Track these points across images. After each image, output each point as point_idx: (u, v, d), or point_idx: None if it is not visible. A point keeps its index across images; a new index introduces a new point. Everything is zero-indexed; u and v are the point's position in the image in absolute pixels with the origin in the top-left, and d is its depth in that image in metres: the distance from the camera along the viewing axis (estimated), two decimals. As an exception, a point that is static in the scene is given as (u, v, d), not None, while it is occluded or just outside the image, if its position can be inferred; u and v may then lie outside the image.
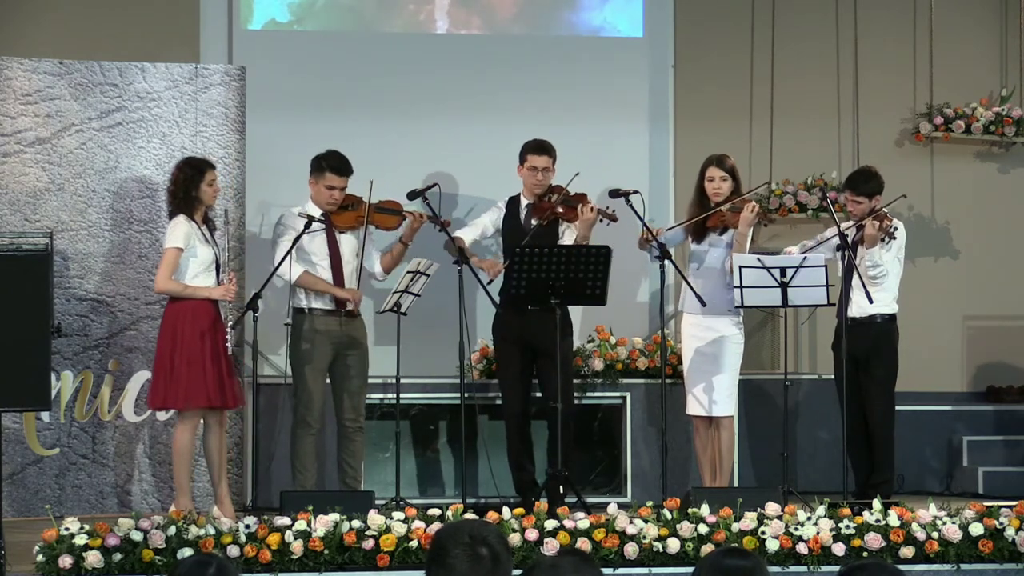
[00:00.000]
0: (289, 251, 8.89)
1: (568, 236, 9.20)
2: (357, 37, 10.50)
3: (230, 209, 9.09)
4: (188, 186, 8.65)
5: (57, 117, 9.32)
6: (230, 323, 8.59)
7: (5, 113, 9.25)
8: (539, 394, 9.22)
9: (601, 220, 9.11)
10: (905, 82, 11.13)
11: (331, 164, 9.02)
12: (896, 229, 9.08)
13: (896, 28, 11.11)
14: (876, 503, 7.79)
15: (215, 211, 8.84)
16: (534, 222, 9.19)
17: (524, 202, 9.34)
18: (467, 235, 9.33)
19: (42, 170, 9.28)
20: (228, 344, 8.56)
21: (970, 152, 11.14)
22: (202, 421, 8.70)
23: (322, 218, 8.95)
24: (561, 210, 9.19)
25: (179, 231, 8.61)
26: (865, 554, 7.48)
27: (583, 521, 7.52)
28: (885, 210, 9.14)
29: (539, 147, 9.31)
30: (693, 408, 9.14)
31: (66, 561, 7.11)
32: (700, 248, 9.18)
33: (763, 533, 7.54)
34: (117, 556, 7.16)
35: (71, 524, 7.26)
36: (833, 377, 9.30)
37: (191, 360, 8.51)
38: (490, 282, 9.04)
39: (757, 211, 8.96)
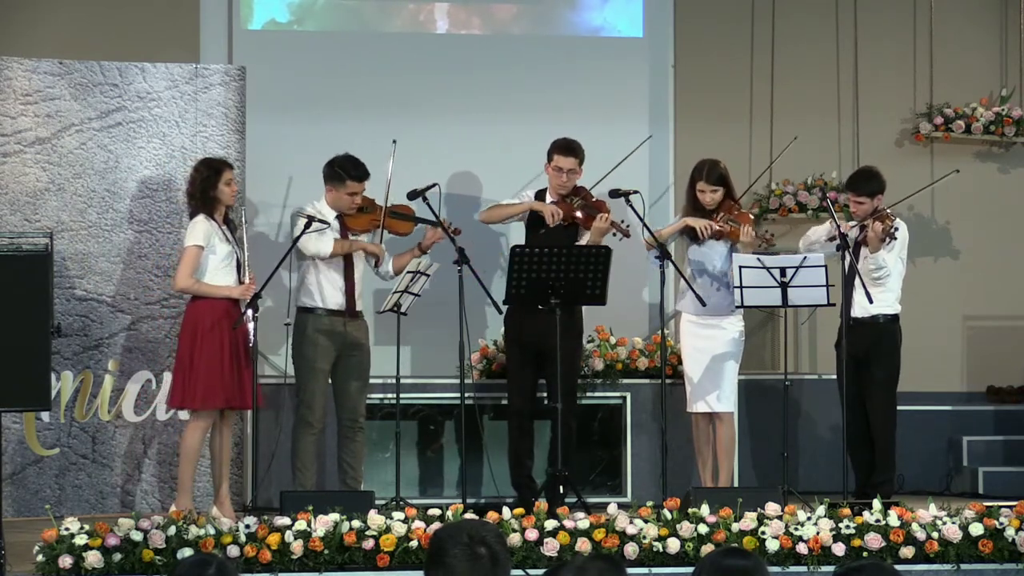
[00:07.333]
0: (289, 251, 8.91)
1: (585, 239, 9.21)
2: (357, 37, 10.50)
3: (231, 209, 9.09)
4: (205, 186, 8.66)
5: (57, 117, 9.33)
6: (250, 318, 8.54)
7: (5, 113, 9.25)
8: (546, 394, 9.20)
9: (614, 234, 9.11)
10: (905, 82, 11.13)
11: (352, 173, 9.00)
12: (897, 229, 9.08)
13: (896, 28, 11.12)
14: (876, 503, 7.79)
15: (235, 211, 8.86)
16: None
17: (549, 199, 9.33)
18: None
19: (42, 170, 9.28)
20: (251, 336, 8.52)
21: (970, 152, 11.14)
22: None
23: (324, 220, 8.94)
24: (580, 215, 9.19)
25: (199, 229, 8.63)
26: (865, 554, 7.48)
27: (583, 521, 7.52)
28: (888, 210, 9.15)
29: (567, 147, 9.24)
30: (694, 405, 9.15)
31: (66, 561, 7.11)
32: (699, 251, 9.20)
33: (763, 533, 7.54)
34: (117, 556, 7.16)
35: (71, 524, 7.26)
36: (835, 377, 9.30)
37: (210, 360, 8.51)
38: (552, 225, 9.07)
39: (753, 235, 9.01)
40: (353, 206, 9.07)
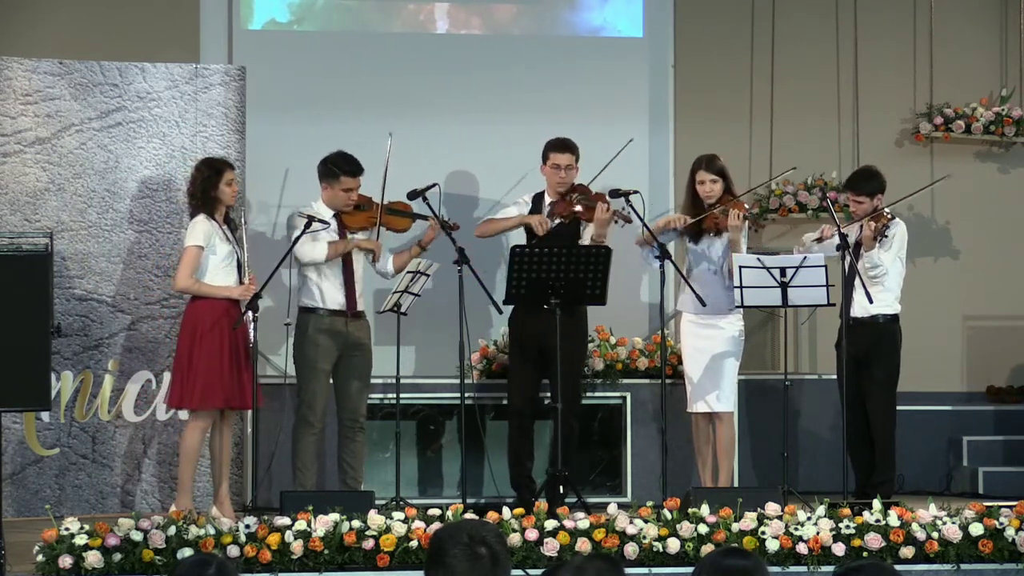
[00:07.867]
0: (289, 251, 8.90)
1: (587, 234, 9.22)
2: (357, 37, 10.50)
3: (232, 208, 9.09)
4: (206, 186, 8.67)
5: (57, 117, 9.33)
6: (250, 318, 8.54)
7: (5, 113, 9.25)
8: (547, 394, 9.20)
9: (616, 221, 9.12)
10: (905, 82, 11.13)
11: (344, 168, 9.01)
12: (888, 227, 9.08)
13: (896, 28, 11.12)
14: (876, 503, 7.79)
15: (236, 211, 8.86)
16: (556, 220, 9.21)
17: (547, 199, 9.33)
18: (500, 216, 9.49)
19: (42, 170, 9.28)
20: (252, 336, 8.51)
21: (970, 152, 11.14)
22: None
23: (323, 220, 8.93)
24: (580, 209, 9.20)
25: (199, 229, 8.63)
26: (865, 554, 7.48)
27: (583, 521, 7.52)
28: (887, 210, 9.14)
29: (561, 145, 9.28)
30: (694, 405, 9.14)
31: (66, 561, 7.11)
32: (697, 249, 9.21)
33: (763, 533, 7.54)
34: (117, 556, 7.16)
35: (71, 524, 7.26)
36: (835, 377, 9.30)
37: (209, 360, 8.51)
38: (543, 236, 9.09)
39: (742, 217, 8.99)
40: (349, 203, 9.06)
